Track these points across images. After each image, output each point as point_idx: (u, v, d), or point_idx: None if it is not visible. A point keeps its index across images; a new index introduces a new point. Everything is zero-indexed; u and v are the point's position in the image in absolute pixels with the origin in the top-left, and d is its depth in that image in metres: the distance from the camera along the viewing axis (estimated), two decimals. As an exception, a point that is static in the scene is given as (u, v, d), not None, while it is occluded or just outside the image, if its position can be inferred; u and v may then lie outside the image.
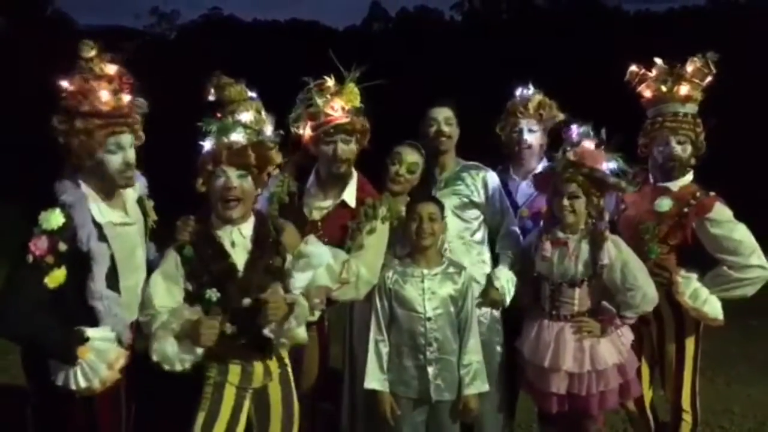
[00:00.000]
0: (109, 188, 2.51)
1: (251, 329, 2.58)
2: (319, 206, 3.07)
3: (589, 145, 3.05)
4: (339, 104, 2.96)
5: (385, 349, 2.90)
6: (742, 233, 3.15)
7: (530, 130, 3.56)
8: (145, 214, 2.72)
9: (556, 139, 3.50)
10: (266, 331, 2.58)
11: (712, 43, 3.46)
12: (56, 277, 2.29)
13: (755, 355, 5.72)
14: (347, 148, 3.01)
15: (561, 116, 3.61)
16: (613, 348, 3.06)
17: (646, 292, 3.04)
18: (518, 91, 3.64)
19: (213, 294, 2.56)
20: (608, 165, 3.05)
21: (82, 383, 2.31)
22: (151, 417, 2.95)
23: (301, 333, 2.65)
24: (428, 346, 2.89)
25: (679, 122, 3.23)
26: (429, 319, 2.89)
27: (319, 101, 2.94)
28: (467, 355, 2.97)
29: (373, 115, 3.10)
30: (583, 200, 3.05)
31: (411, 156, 3.26)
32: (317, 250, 2.73)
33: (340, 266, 2.77)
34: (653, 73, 3.32)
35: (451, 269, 3.01)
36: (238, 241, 2.62)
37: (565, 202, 3.04)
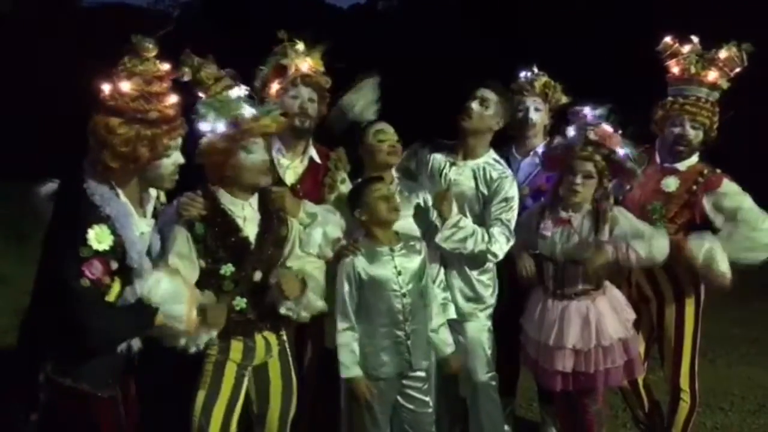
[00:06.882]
0: (142, 192, 2.41)
1: (262, 303, 2.65)
2: (292, 167, 3.13)
3: (607, 127, 3.01)
4: (307, 62, 3.14)
5: (354, 336, 2.87)
6: (751, 203, 3.17)
7: (536, 109, 3.59)
8: None
9: (558, 121, 3.50)
10: (283, 310, 2.65)
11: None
12: (114, 293, 2.24)
13: (757, 337, 5.72)
14: (312, 105, 3.14)
15: (565, 99, 3.64)
16: (618, 323, 3.06)
17: (655, 243, 3.01)
18: (522, 74, 3.65)
19: (228, 269, 2.59)
20: (623, 149, 3.01)
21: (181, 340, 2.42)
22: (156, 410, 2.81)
23: (320, 303, 2.73)
24: (405, 321, 2.91)
25: (699, 107, 3.20)
26: (404, 294, 2.90)
27: (292, 52, 3.07)
28: (434, 319, 3.03)
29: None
30: (595, 181, 3.02)
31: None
32: (320, 208, 2.89)
33: (340, 218, 2.92)
34: (686, 49, 3.26)
35: (411, 242, 3.00)
36: (249, 215, 2.65)
37: (578, 180, 3.02)
